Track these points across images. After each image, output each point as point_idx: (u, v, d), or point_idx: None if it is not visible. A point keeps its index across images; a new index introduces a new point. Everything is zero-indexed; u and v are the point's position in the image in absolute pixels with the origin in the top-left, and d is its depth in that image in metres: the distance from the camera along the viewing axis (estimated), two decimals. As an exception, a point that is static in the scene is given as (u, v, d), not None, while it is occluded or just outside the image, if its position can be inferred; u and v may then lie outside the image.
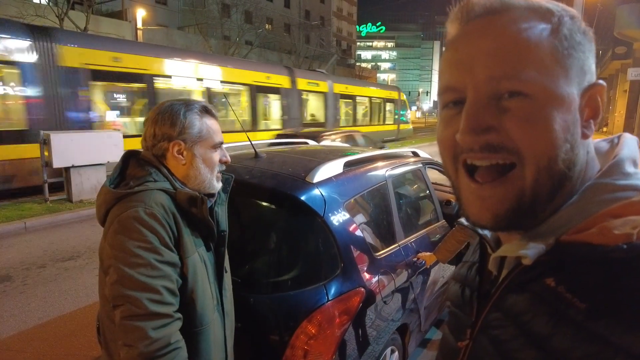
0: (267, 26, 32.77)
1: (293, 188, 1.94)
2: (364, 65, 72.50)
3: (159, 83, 10.14)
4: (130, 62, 9.29)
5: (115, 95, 9.71)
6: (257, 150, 2.43)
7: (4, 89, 7.61)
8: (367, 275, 1.99)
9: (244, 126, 3.13)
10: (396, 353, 2.35)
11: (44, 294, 4.02)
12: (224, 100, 11.94)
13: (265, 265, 1.91)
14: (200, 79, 11.28)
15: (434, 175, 3.26)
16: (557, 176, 0.49)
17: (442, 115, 0.56)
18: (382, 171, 2.51)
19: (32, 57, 7.60)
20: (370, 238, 2.19)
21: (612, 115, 28.57)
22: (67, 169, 7.26)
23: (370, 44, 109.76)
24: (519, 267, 0.51)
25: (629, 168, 0.51)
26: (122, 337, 1.10)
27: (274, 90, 14.46)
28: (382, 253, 2.21)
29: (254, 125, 13.24)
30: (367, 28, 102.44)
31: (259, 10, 30.14)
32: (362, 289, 1.91)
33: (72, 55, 8.23)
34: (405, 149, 3.22)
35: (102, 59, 8.73)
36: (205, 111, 1.33)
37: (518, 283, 0.51)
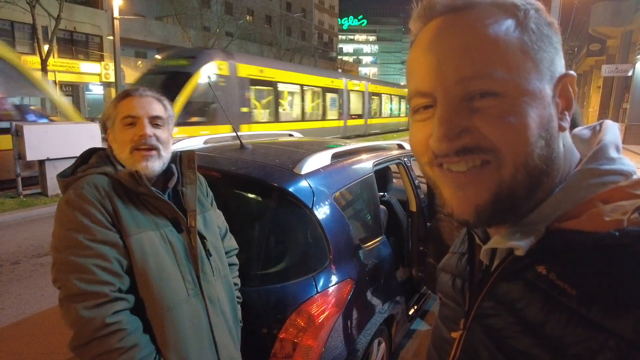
0: (248, 17, 32.31)
1: (281, 179, 1.90)
2: (345, 58, 72.43)
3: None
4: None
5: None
6: (242, 141, 2.38)
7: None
8: (355, 267, 1.98)
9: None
10: (383, 344, 2.36)
11: (19, 290, 3.88)
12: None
13: (253, 257, 1.87)
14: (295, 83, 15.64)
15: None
16: (535, 172, 0.48)
17: (413, 119, 0.55)
18: (369, 163, 2.49)
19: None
20: (358, 230, 2.18)
21: (587, 110, 29.41)
22: (41, 162, 7.01)
23: (352, 37, 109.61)
24: (510, 256, 0.51)
25: (613, 153, 0.51)
26: (65, 323, 1.11)
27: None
28: (370, 245, 2.21)
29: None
30: (349, 21, 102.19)
31: (240, 1, 29.72)
32: (351, 281, 1.90)
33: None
34: (392, 142, 3.21)
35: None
36: (124, 95, 1.32)
37: (510, 272, 0.51)
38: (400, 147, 3.24)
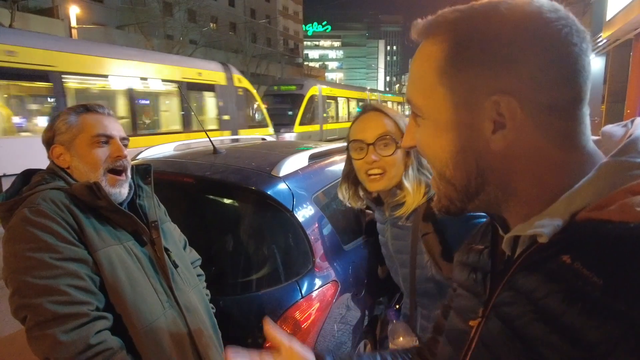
0: (212, 25, 31.96)
1: (259, 183, 1.85)
2: (312, 64, 72.80)
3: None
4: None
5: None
6: (215, 145, 2.31)
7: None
8: (338, 269, 1.94)
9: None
10: (369, 345, 2.32)
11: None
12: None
13: (233, 265, 1.80)
14: None
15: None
16: (458, 183, 0.57)
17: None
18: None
19: None
20: (339, 231, 2.15)
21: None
22: (-4, 179, 6.63)
23: (317, 43, 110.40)
24: (533, 246, 0.52)
25: None
26: (36, 353, 1.00)
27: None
28: (351, 245, 2.18)
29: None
30: (314, 27, 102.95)
31: (203, 9, 29.35)
32: (336, 283, 1.86)
33: None
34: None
35: None
36: (86, 109, 1.25)
37: (533, 261, 0.52)
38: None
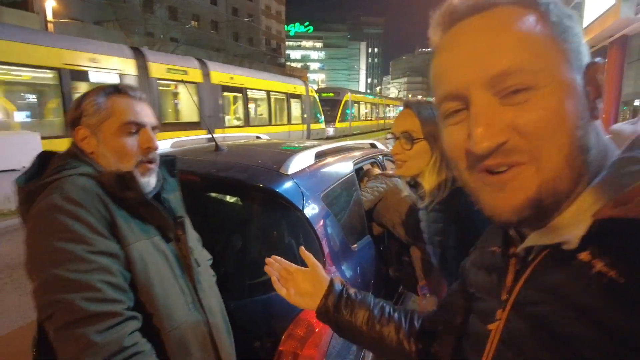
0: (193, 23, 31.50)
1: (268, 180, 1.78)
2: (293, 64, 72.64)
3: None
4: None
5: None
6: (218, 142, 2.23)
7: None
8: (347, 270, 1.90)
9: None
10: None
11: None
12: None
13: (243, 266, 1.74)
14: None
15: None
16: (577, 164, 0.48)
17: (445, 124, 0.55)
18: (350, 162, 2.43)
19: None
20: (346, 230, 2.10)
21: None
22: (-28, 177, 6.34)
23: (299, 43, 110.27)
24: (551, 246, 0.51)
25: None
26: (64, 354, 0.88)
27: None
28: (357, 245, 2.14)
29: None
30: (296, 28, 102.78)
31: (185, 6, 28.93)
32: (347, 284, 1.81)
33: None
34: (364, 141, 3.18)
35: None
36: (118, 90, 1.13)
37: (555, 260, 0.50)
38: (374, 146, 3.21)
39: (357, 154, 2.64)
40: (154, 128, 1.17)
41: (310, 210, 1.80)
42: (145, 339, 0.99)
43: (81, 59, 8.80)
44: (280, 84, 18.05)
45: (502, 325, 0.56)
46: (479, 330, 0.63)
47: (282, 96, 18.03)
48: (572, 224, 0.48)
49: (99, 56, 9.25)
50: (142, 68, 10.36)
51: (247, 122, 15.35)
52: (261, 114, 17.00)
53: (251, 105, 16.21)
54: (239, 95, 14.91)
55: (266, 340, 1.56)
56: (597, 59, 0.51)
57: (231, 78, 14.15)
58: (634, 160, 0.48)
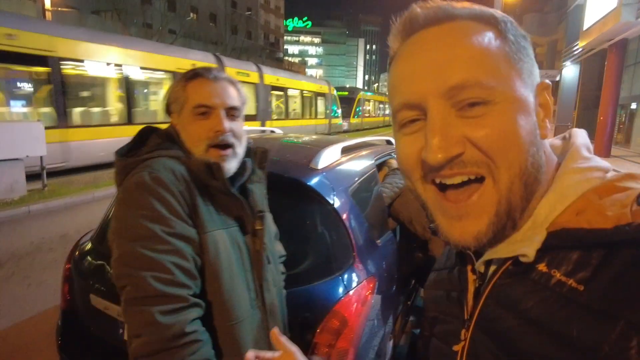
0: (192, 15, 31.25)
1: (300, 175, 1.80)
2: (291, 60, 72.41)
3: None
4: None
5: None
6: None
7: None
8: (375, 264, 1.92)
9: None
10: (391, 341, 2.32)
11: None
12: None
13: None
14: None
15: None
16: (529, 181, 0.49)
17: (400, 134, 0.55)
18: (372, 158, 2.46)
19: None
20: (372, 225, 2.13)
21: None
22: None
23: (297, 38, 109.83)
24: (509, 260, 0.51)
25: (586, 153, 0.54)
26: (129, 327, 0.93)
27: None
28: (382, 240, 2.16)
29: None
30: (294, 23, 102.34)
31: (184, -1, 28.69)
32: (374, 278, 1.84)
33: None
34: (380, 137, 3.20)
35: None
36: (194, 75, 1.13)
37: (511, 274, 0.51)
38: (389, 142, 3.24)
39: (377, 150, 2.67)
40: (231, 109, 1.14)
41: (341, 204, 1.82)
42: (204, 329, 1.00)
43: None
44: (311, 84, 22.71)
45: (467, 345, 0.55)
46: (444, 353, 0.62)
47: (311, 94, 22.44)
48: (528, 238, 0.49)
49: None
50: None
51: (286, 116, 19.68)
52: (295, 109, 21.12)
53: (290, 102, 20.24)
54: (282, 93, 19.21)
55: (301, 331, 1.58)
56: (546, 81, 0.53)
57: (277, 79, 18.46)
58: (576, 171, 0.51)
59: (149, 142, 1.13)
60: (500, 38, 0.50)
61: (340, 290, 1.66)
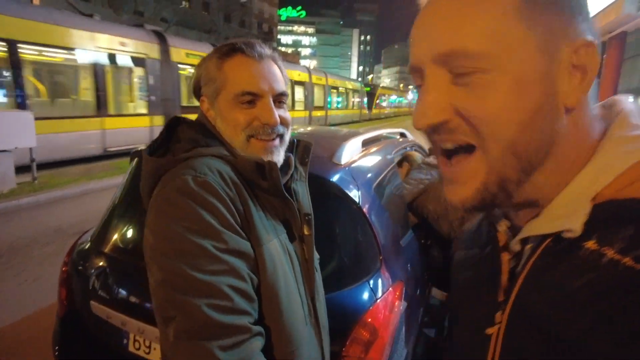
0: (185, 3, 30.67)
1: (322, 170, 1.64)
2: (285, 50, 71.65)
3: None
4: None
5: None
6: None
7: None
8: (401, 267, 1.78)
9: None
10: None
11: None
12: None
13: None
14: None
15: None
16: (527, 154, 0.45)
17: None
18: (392, 151, 2.31)
19: None
20: (395, 224, 1.98)
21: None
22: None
23: (290, 28, 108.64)
24: (549, 237, 0.47)
25: (636, 120, 0.49)
26: None
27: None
28: (405, 240, 2.02)
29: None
30: (287, 12, 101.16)
31: (177, -15, 28.12)
32: (401, 283, 1.70)
33: None
34: (395, 130, 3.05)
35: None
36: (232, 51, 0.95)
37: (554, 253, 0.46)
38: (403, 135, 3.08)
39: (395, 142, 2.52)
40: (279, 95, 0.98)
41: (366, 203, 1.67)
42: None
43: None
44: (350, 83, 29.61)
45: (503, 328, 0.50)
46: (474, 338, 0.56)
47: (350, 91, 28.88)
48: (571, 211, 0.45)
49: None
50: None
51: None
52: (340, 102, 26.86)
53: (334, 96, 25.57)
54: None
55: (333, 342, 1.44)
56: (587, 37, 0.44)
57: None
58: (626, 139, 0.46)
59: (182, 136, 0.95)
60: (512, 3, 0.43)
61: (368, 297, 1.52)
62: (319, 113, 23.05)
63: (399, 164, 2.54)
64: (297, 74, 19.98)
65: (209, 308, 0.74)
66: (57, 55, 8.88)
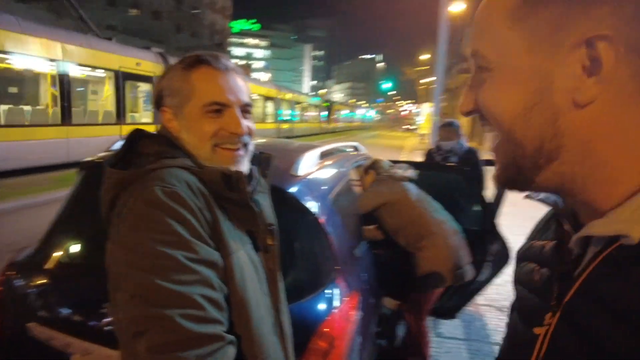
0: (134, 11, 29.75)
1: (280, 182, 1.65)
2: (236, 62, 71.30)
3: None
4: None
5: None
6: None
7: None
8: (356, 277, 1.82)
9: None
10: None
11: None
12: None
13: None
14: None
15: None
16: (527, 144, 0.48)
17: None
18: (345, 164, 2.36)
19: None
20: (351, 234, 2.03)
21: (459, 119, 33.85)
22: None
23: (242, 41, 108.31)
24: (613, 245, 0.44)
25: None
26: None
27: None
28: (359, 250, 2.07)
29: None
30: (241, 24, 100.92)
31: (125, -8, 27.26)
32: (357, 293, 1.74)
33: None
34: (349, 143, 3.12)
35: None
36: (198, 62, 0.95)
37: (614, 263, 0.43)
38: (356, 148, 3.16)
39: (349, 155, 2.58)
40: (245, 106, 0.97)
41: (323, 214, 1.70)
42: None
43: None
44: (312, 99, 33.33)
45: (551, 330, 0.50)
46: (523, 333, 0.57)
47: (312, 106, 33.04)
48: (636, 217, 0.42)
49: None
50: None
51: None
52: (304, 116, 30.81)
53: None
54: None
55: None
56: (598, 33, 0.42)
57: None
58: None
59: (144, 149, 0.93)
60: (511, 5, 0.47)
61: (325, 307, 1.54)
62: (286, 125, 25.87)
63: (365, 170, 2.58)
64: (267, 91, 22.79)
65: (182, 318, 0.72)
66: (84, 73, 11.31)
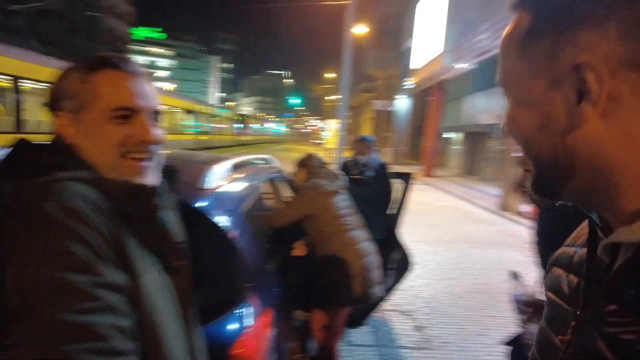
0: (14, 6, 26.41)
1: (188, 196, 1.56)
2: (140, 70, 67.21)
3: None
4: None
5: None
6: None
7: None
8: (269, 292, 1.78)
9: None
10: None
11: None
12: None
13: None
14: None
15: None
16: (544, 161, 0.51)
17: None
18: (256, 176, 2.32)
19: None
20: (263, 250, 1.98)
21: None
22: None
23: (146, 49, 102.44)
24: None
25: None
26: None
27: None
28: (270, 266, 2.03)
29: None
30: (144, 32, 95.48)
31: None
32: (270, 310, 1.69)
33: None
34: (261, 155, 3.08)
35: None
36: (101, 64, 0.85)
37: None
38: (267, 161, 3.13)
39: (260, 168, 2.54)
40: (155, 114, 0.88)
41: (234, 229, 1.64)
42: None
43: None
44: (228, 112, 34.83)
45: (575, 341, 0.50)
46: (550, 340, 0.58)
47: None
48: None
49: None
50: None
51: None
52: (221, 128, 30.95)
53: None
54: None
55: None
56: (584, 60, 0.44)
57: None
58: None
59: (26, 162, 0.78)
60: (525, 24, 0.49)
61: (238, 327, 1.47)
62: (204, 137, 26.30)
63: (298, 166, 2.52)
64: (187, 104, 23.91)
65: (89, 354, 0.62)
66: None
